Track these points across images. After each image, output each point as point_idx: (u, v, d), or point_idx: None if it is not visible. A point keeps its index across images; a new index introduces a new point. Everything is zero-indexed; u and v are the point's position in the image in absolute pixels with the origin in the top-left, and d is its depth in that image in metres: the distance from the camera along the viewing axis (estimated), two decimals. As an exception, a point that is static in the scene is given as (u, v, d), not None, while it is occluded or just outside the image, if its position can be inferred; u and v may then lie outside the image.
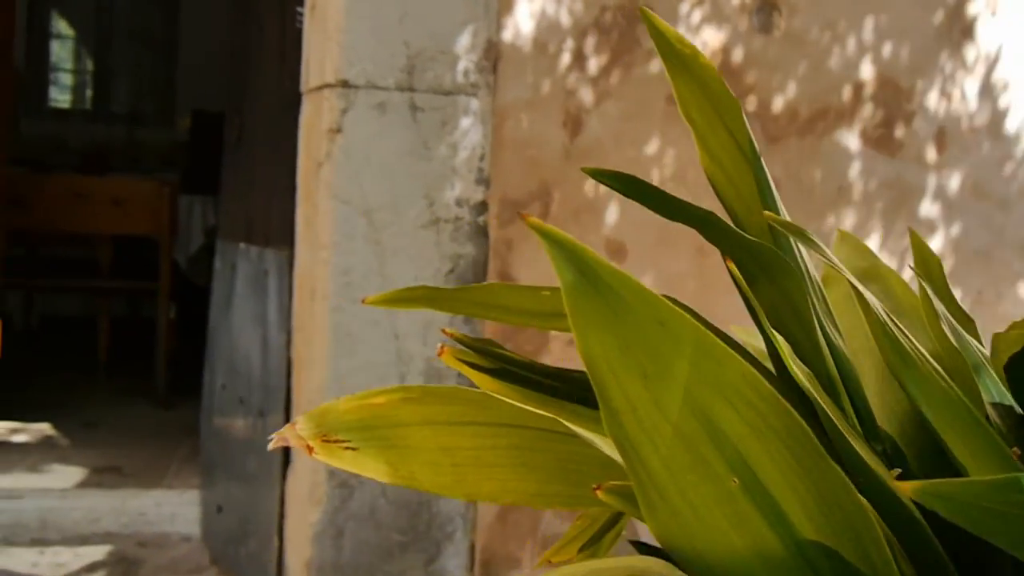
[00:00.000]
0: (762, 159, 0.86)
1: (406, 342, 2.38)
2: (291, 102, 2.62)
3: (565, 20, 2.45)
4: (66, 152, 7.46)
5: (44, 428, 4.12)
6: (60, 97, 7.62)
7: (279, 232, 2.71)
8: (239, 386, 2.96)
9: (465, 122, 2.38)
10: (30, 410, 4.29)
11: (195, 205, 5.07)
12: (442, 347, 0.90)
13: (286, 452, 2.64)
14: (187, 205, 4.97)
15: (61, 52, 7.74)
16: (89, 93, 7.54)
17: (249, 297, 2.92)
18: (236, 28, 3.21)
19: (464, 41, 2.38)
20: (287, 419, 2.65)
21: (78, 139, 7.44)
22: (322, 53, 2.36)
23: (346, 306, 2.34)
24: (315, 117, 2.39)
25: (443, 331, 0.95)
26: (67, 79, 7.65)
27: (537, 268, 2.46)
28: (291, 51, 2.66)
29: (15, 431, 4.04)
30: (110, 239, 4.75)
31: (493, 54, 2.40)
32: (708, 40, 2.54)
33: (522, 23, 2.42)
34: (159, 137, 7.48)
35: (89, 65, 7.54)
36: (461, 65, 2.38)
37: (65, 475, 3.51)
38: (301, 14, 2.57)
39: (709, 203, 2.49)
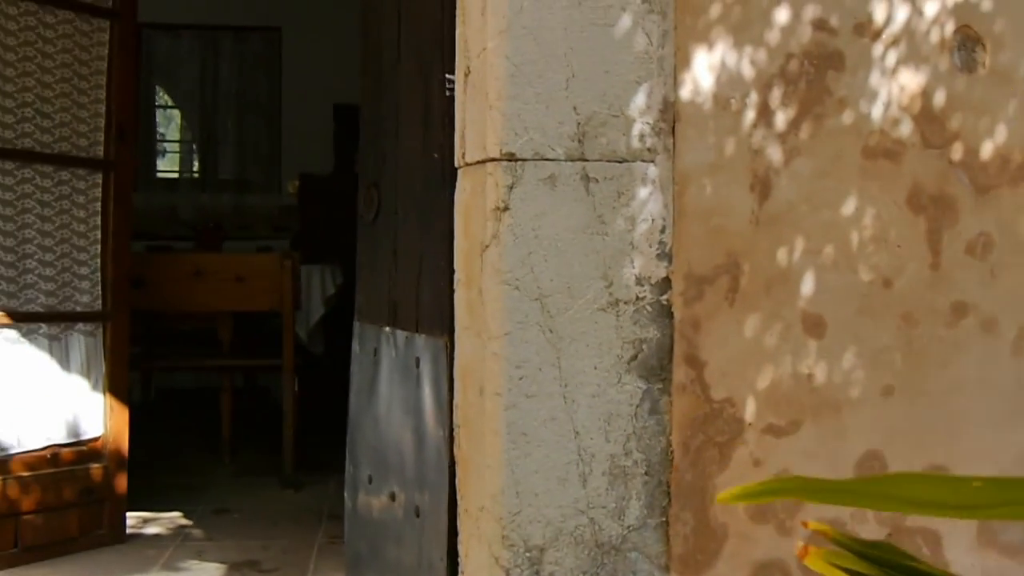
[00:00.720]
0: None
1: (587, 439, 2.13)
2: (442, 177, 2.42)
3: (747, 72, 2.19)
4: (176, 223, 7.46)
5: (175, 517, 3.97)
6: (168, 167, 7.65)
7: (432, 317, 2.49)
8: (390, 481, 2.74)
9: (643, 191, 2.14)
10: (159, 496, 4.15)
11: (313, 274, 4.93)
12: (805, 547, 0.66)
13: (452, 558, 2.41)
14: (305, 275, 4.83)
15: (167, 122, 7.78)
16: (196, 161, 7.55)
17: (397, 385, 2.70)
18: (369, 97, 3.03)
19: (639, 102, 2.14)
20: (451, 521, 2.41)
21: (188, 208, 7.44)
22: (481, 124, 2.15)
23: (521, 403, 2.10)
24: (477, 195, 2.17)
25: (804, 523, 0.69)
26: (174, 149, 7.68)
27: (728, 350, 2.20)
28: (437, 121, 2.46)
29: (147, 521, 3.89)
30: (231, 313, 4.63)
31: (671, 114, 2.16)
32: (906, 84, 2.26)
33: (701, 78, 2.17)
34: (267, 202, 7.44)
35: (195, 134, 7.55)
36: (636, 128, 2.14)
37: (204, 573, 3.32)
38: (452, 82, 2.36)
39: (915, 266, 2.17)
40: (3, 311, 3.30)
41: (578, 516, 2.12)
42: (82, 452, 3.53)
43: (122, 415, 3.60)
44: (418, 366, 2.56)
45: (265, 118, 7.48)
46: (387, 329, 2.78)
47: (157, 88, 7.62)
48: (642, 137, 2.14)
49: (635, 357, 2.15)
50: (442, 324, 2.41)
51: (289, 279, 4.35)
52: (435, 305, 2.46)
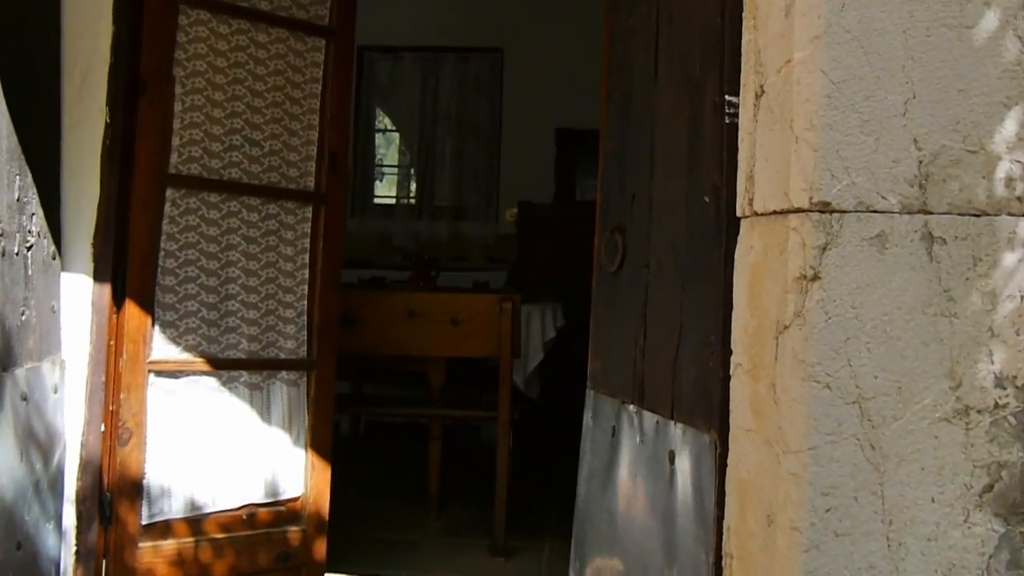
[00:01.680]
0: None
1: (918, 597, 1.54)
2: (715, 227, 1.88)
3: None
4: (390, 250, 7.25)
5: (376, 585, 3.60)
6: (385, 192, 7.46)
7: (694, 403, 1.96)
8: (629, 596, 2.22)
9: (1009, 257, 1.54)
10: (359, 555, 3.79)
11: (532, 315, 4.49)
12: None
13: None
14: (524, 315, 4.40)
15: (387, 145, 7.61)
16: (413, 187, 7.32)
17: (642, 479, 2.18)
18: (614, 123, 2.54)
19: (1006, 131, 1.54)
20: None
21: (402, 236, 7.21)
22: (782, 161, 1.60)
23: (827, 543, 1.53)
24: (771, 256, 1.63)
25: None
26: (392, 173, 7.49)
27: None
28: (709, 155, 1.93)
29: (347, 588, 3.54)
30: (443, 357, 4.26)
31: (1055, 150, 1.54)
32: None
33: (1101, 99, 1.55)
34: (484, 231, 7.12)
35: (413, 158, 7.33)
36: (1002, 169, 1.54)
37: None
38: (733, 106, 1.83)
39: None
40: (204, 357, 3.01)
41: None
42: (280, 513, 3.19)
43: (324, 474, 3.25)
44: (672, 462, 2.03)
45: (484, 142, 7.17)
46: (631, 407, 2.27)
47: (377, 111, 7.46)
48: (1010, 181, 1.54)
49: (990, 488, 1.54)
50: (708, 415, 1.88)
51: (508, 324, 3.93)
52: (699, 390, 1.93)
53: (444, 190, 7.27)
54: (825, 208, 1.52)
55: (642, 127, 2.32)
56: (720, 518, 1.81)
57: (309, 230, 3.21)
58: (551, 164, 7.03)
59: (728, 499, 1.77)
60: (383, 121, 7.61)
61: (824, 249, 1.52)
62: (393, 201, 7.40)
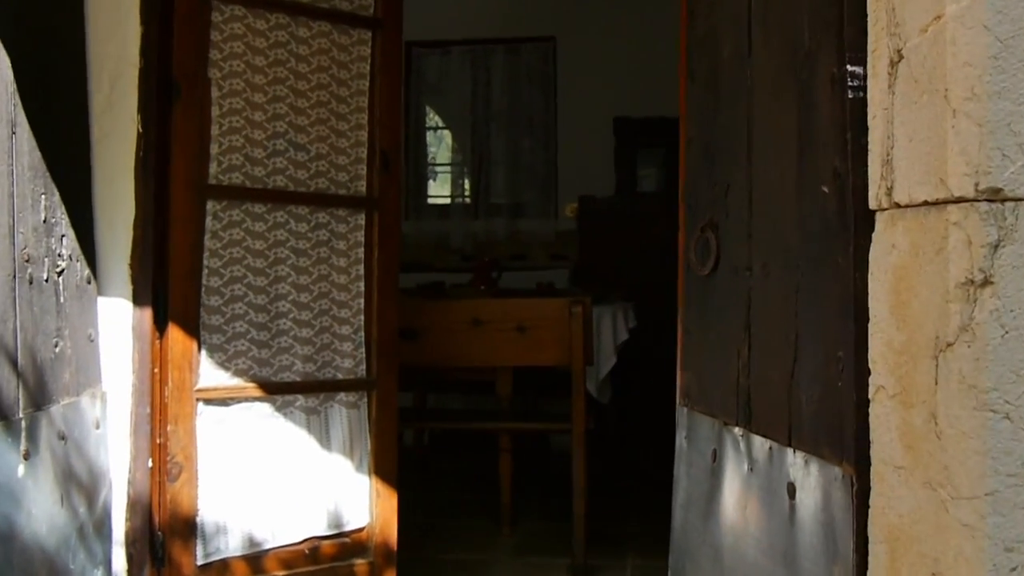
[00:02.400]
0: None
1: None
2: (838, 222, 1.59)
3: None
4: (447, 252, 7.00)
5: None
6: (438, 192, 7.22)
7: (819, 429, 1.67)
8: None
9: None
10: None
11: (603, 317, 4.21)
12: None
13: None
14: (595, 317, 4.12)
15: (437, 143, 7.37)
16: (467, 185, 7.06)
17: (753, 513, 1.90)
18: (697, 105, 2.25)
19: None
20: None
21: (459, 236, 6.96)
22: (933, 141, 1.31)
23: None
24: (924, 256, 1.33)
25: None
26: (444, 172, 7.25)
27: None
28: (827, 136, 1.64)
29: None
30: (511, 367, 3.99)
31: None
32: None
33: None
34: (543, 228, 6.84)
35: (466, 155, 7.08)
36: None
37: None
38: (857, 77, 1.53)
39: None
40: (255, 382, 2.78)
41: None
42: (345, 545, 2.95)
43: (390, 501, 3.00)
44: (792, 496, 1.75)
45: (539, 136, 6.89)
46: (736, 430, 1.98)
47: (427, 108, 7.21)
48: None
49: None
50: (839, 445, 1.58)
51: (580, 329, 3.65)
52: (825, 414, 1.64)
53: (500, 187, 7.00)
54: (996, 196, 1.22)
55: (735, 109, 2.03)
56: (862, 566, 1.52)
57: (363, 238, 2.96)
58: (610, 155, 6.73)
59: (873, 548, 1.48)
60: (433, 119, 7.37)
61: (996, 247, 1.22)
62: (448, 201, 7.15)
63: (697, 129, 2.26)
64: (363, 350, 2.97)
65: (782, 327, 1.81)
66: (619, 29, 6.73)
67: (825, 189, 1.64)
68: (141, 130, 2.58)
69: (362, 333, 2.97)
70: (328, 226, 2.91)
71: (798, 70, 1.75)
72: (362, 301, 2.97)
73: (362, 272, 2.96)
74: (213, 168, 2.69)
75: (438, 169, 7.28)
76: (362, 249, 2.96)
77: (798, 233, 1.75)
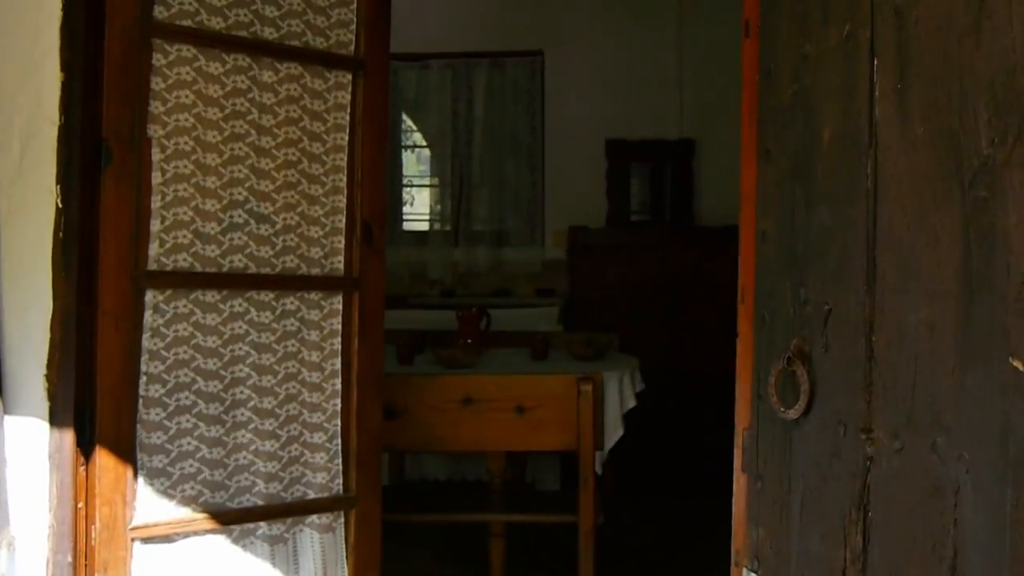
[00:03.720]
0: None
1: None
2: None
3: None
4: (424, 283, 6.47)
5: None
6: (416, 215, 6.67)
7: None
8: None
9: None
10: None
11: (609, 383, 3.71)
12: None
13: None
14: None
15: (416, 166, 6.81)
16: (448, 210, 6.52)
17: None
18: (777, 199, 1.75)
19: None
20: None
21: (438, 265, 6.42)
22: None
23: None
24: None
25: None
26: (423, 195, 6.70)
27: None
28: (1017, 289, 1.14)
29: None
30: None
31: None
32: None
33: None
34: (528, 257, 6.31)
35: (446, 178, 6.53)
36: None
37: None
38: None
39: None
40: (207, 510, 2.24)
41: None
42: None
43: (371, 640, 2.48)
44: None
45: (525, 157, 6.36)
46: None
47: (404, 127, 6.66)
48: None
49: None
50: None
51: (590, 411, 3.14)
52: None
53: (482, 213, 6.46)
54: None
55: (842, 211, 1.52)
56: None
57: (340, 326, 2.44)
58: (601, 180, 6.22)
59: None
60: (411, 138, 6.82)
61: None
62: (426, 227, 6.60)
63: (776, 225, 1.75)
64: (339, 461, 2.45)
65: (926, 529, 1.30)
66: (613, 43, 6.23)
67: (1018, 365, 1.14)
68: (61, 204, 2.04)
69: (338, 441, 2.44)
70: (297, 314, 2.37)
71: (966, 177, 1.24)
72: (338, 402, 2.44)
73: (338, 367, 2.44)
74: (154, 249, 2.15)
75: (415, 191, 6.73)
76: (339, 340, 2.43)
77: (954, 408, 1.25)
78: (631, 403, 3.85)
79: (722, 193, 6.14)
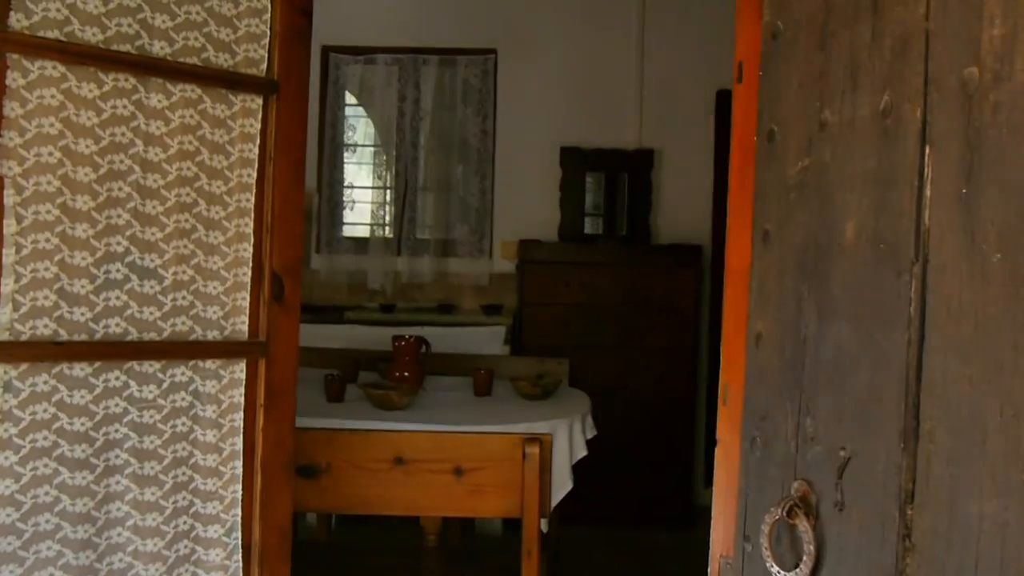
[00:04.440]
0: None
1: None
2: None
3: None
4: (363, 292, 6.06)
5: None
6: (356, 220, 6.26)
7: None
8: None
9: None
10: None
11: (558, 432, 3.35)
12: None
13: None
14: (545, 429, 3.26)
15: (356, 168, 6.39)
16: (389, 218, 6.11)
17: None
18: (773, 306, 1.39)
19: None
20: None
21: (378, 275, 6.01)
22: None
23: None
24: None
25: None
26: (364, 199, 6.28)
27: None
28: None
29: None
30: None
31: None
32: None
33: None
34: (475, 269, 5.93)
35: (389, 182, 6.12)
36: None
37: None
38: None
39: None
40: (68, 624, 1.85)
41: None
42: None
43: None
44: None
45: (475, 162, 5.97)
46: None
47: (344, 126, 6.23)
48: None
49: None
50: None
51: (535, 475, 2.79)
52: None
53: (427, 220, 6.06)
54: None
55: (875, 335, 1.17)
56: None
57: (241, 399, 2.04)
58: (554, 190, 5.85)
59: None
60: (352, 137, 6.39)
61: None
62: (367, 233, 6.19)
63: (776, 329, 1.40)
64: (238, 558, 2.06)
65: None
66: (572, 43, 5.85)
67: None
68: None
69: (238, 535, 2.05)
70: (190, 386, 1.98)
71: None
72: (238, 489, 2.05)
73: (239, 447, 2.04)
74: (5, 315, 1.74)
75: (356, 195, 6.30)
76: (240, 415, 2.04)
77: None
78: (581, 452, 3.49)
79: (682, 208, 5.81)
